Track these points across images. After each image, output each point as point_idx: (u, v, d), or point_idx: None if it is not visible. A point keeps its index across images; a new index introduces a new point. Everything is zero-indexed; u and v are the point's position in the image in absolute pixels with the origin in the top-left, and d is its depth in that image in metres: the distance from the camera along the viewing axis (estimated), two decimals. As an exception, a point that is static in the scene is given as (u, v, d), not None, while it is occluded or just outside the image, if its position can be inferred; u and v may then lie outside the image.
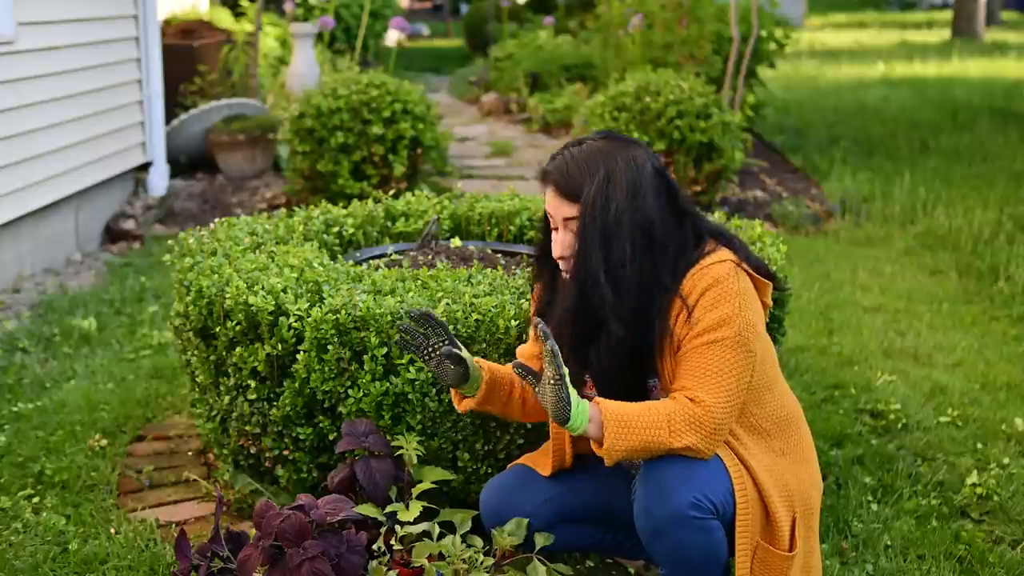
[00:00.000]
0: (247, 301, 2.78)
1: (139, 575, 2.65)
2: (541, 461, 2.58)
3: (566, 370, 2.17)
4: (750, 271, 2.32)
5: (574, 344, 2.31)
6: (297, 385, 2.75)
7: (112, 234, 6.25)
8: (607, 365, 2.30)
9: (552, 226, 2.35)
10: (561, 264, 2.35)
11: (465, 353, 2.41)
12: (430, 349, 2.39)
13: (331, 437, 2.80)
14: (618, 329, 2.24)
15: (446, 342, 2.39)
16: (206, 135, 7.30)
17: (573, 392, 2.18)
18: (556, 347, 2.14)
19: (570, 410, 2.16)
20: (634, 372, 2.33)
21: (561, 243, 2.32)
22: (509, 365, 2.47)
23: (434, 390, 2.70)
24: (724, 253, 2.29)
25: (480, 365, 2.46)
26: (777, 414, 2.38)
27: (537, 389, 2.19)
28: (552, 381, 2.15)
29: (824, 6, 27.59)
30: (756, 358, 2.26)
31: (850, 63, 15.43)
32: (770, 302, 2.37)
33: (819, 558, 2.41)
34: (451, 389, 2.53)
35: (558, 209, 2.30)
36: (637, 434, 2.18)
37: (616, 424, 2.18)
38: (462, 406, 2.51)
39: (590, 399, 2.24)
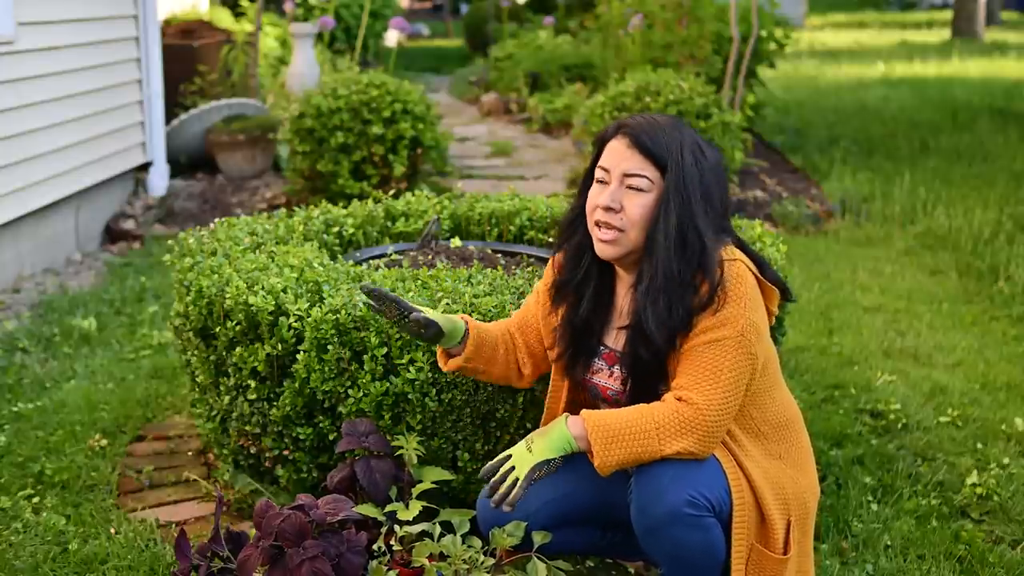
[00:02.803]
0: (247, 301, 2.78)
1: (139, 575, 2.65)
2: None
3: (513, 459, 2.25)
4: (757, 275, 2.32)
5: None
6: (297, 385, 2.75)
7: (112, 234, 6.25)
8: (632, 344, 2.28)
9: (600, 179, 2.32)
10: (600, 215, 2.29)
11: (433, 313, 2.43)
12: (397, 316, 2.42)
13: (331, 437, 2.80)
14: (661, 299, 2.22)
15: (408, 313, 2.40)
16: (206, 135, 7.30)
17: (553, 428, 2.25)
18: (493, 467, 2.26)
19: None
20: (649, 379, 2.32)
21: (611, 195, 2.27)
22: (496, 323, 2.56)
23: (434, 390, 2.70)
24: (736, 252, 2.30)
25: (465, 320, 2.49)
26: (776, 418, 2.38)
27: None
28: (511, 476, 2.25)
29: (824, 6, 27.58)
30: (758, 361, 2.26)
31: (850, 63, 15.43)
32: (776, 310, 2.36)
33: (812, 562, 2.41)
34: (437, 349, 2.54)
35: (625, 162, 2.27)
36: (626, 445, 2.19)
37: (603, 439, 2.19)
38: (448, 366, 2.51)
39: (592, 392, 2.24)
